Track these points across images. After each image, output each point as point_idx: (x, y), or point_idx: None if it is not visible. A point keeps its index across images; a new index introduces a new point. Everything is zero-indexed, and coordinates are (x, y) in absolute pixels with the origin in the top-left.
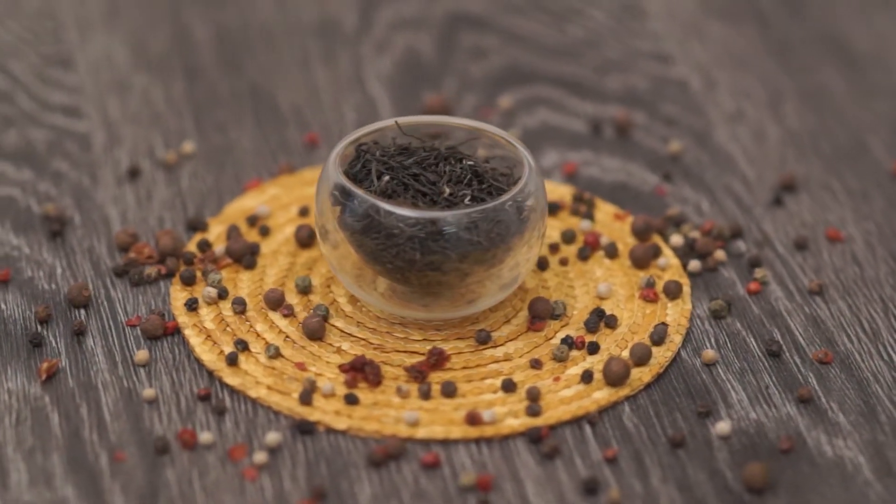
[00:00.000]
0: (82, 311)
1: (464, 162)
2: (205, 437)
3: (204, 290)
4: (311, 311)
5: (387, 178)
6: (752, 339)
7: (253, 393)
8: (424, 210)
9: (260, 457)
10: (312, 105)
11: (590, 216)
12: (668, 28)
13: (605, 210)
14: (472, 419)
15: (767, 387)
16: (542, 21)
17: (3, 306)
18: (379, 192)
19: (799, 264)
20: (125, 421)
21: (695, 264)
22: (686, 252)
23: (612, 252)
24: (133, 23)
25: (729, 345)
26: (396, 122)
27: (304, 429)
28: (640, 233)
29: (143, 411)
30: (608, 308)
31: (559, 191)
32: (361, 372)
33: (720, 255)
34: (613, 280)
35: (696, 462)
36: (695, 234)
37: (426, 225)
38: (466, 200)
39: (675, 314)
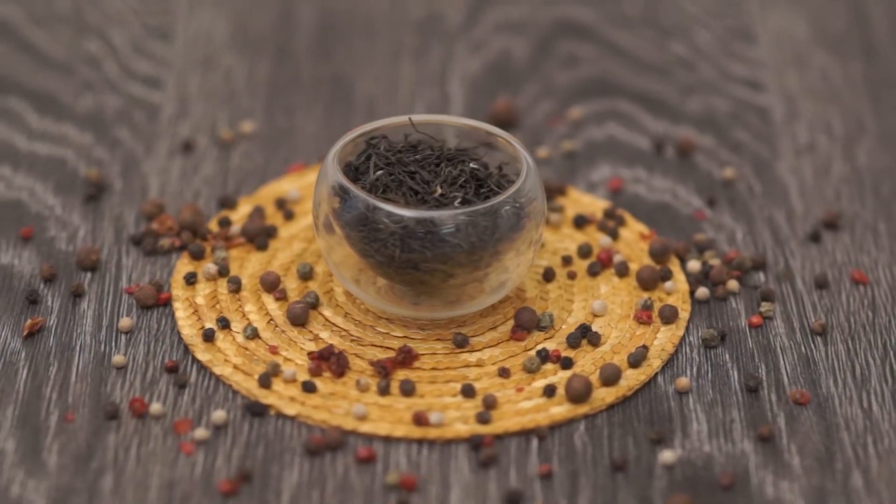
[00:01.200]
0: (88, 275)
1: (466, 164)
2: (154, 407)
3: (205, 266)
4: (302, 296)
5: (380, 172)
6: (735, 373)
7: (218, 370)
8: (408, 208)
9: (201, 433)
10: (387, 97)
11: (614, 233)
12: (771, 54)
13: (633, 228)
14: (419, 420)
15: (732, 421)
16: (646, 36)
17: (16, 262)
18: (369, 187)
19: (813, 303)
20: (88, 384)
21: (703, 291)
22: (700, 278)
23: (622, 271)
24: (241, 1)
25: (709, 375)
26: (410, 118)
27: (255, 411)
28: (657, 254)
29: (110, 377)
30: (600, 326)
31: (596, 205)
32: (327, 361)
33: (733, 285)
34: (616, 299)
35: (632, 488)
36: (714, 262)
37: (409, 223)
38: (456, 203)
39: (664, 339)
